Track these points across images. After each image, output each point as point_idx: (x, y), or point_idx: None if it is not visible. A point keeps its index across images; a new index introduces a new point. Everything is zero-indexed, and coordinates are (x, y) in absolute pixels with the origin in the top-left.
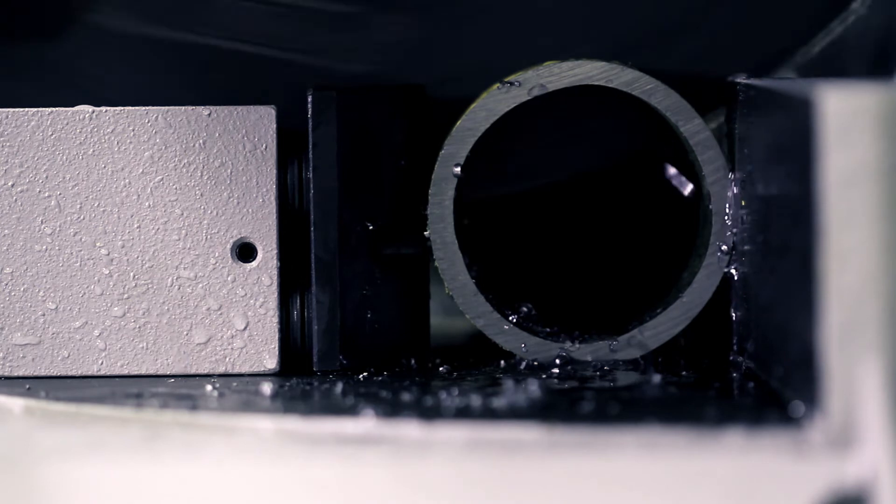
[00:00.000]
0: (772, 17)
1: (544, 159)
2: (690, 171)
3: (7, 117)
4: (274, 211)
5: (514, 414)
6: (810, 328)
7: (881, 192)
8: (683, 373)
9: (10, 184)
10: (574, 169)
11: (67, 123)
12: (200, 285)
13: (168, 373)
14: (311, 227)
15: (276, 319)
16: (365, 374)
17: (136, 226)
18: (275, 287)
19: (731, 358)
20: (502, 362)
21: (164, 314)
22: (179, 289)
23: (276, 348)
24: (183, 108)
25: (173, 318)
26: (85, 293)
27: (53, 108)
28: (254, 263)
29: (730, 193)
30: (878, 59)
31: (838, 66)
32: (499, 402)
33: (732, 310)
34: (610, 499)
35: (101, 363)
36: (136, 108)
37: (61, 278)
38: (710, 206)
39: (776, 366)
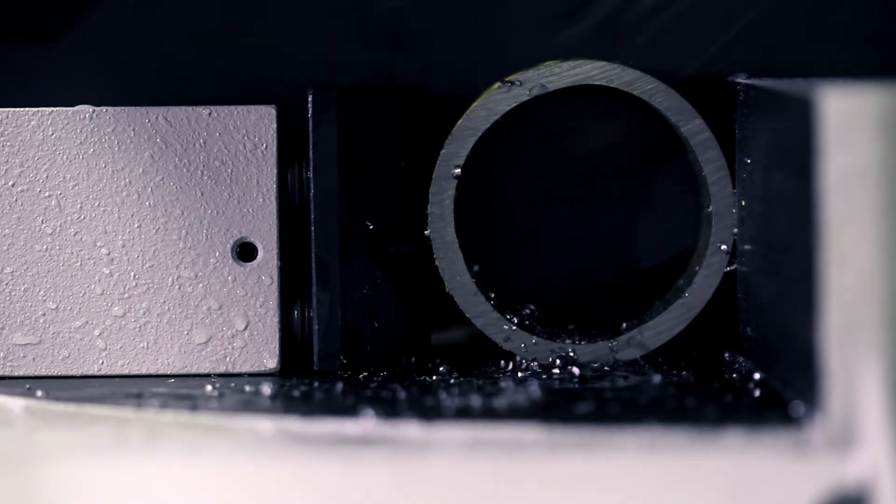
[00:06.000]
0: None
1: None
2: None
3: (7, 117)
4: (274, 210)
5: (514, 414)
6: (810, 328)
7: (881, 192)
8: (683, 373)
9: (10, 184)
10: (577, 167)
11: (67, 123)
12: (201, 285)
13: (168, 372)
14: (311, 226)
15: (276, 319)
16: (365, 374)
17: (136, 225)
18: (275, 287)
19: (730, 358)
20: (502, 362)
21: (165, 314)
22: (180, 288)
23: (277, 348)
24: (183, 108)
25: (174, 317)
26: (85, 293)
27: (53, 108)
28: (254, 263)
29: (730, 193)
30: None
31: None
32: (499, 402)
33: (738, 309)
34: (610, 499)
35: (102, 363)
36: (136, 107)
37: (62, 278)
38: (711, 207)
39: (776, 366)
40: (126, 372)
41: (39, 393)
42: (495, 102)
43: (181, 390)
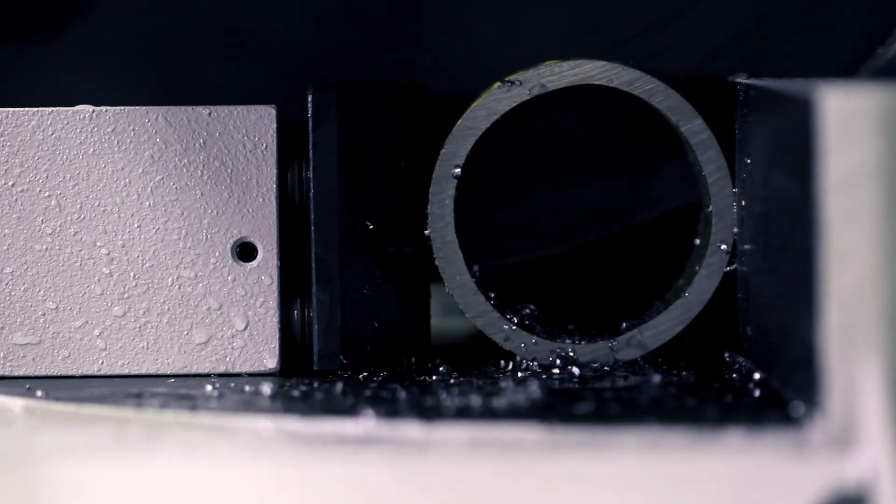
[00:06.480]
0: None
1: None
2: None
3: (7, 117)
4: (274, 210)
5: (514, 414)
6: (810, 328)
7: (881, 192)
8: (683, 373)
9: (10, 184)
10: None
11: (67, 123)
12: (201, 285)
13: (168, 372)
14: (311, 226)
15: (276, 319)
16: (365, 374)
17: (136, 225)
18: (275, 287)
19: (730, 357)
20: (502, 362)
21: (165, 314)
22: (180, 288)
23: (277, 348)
24: (183, 107)
25: (174, 317)
26: (85, 293)
27: (53, 108)
28: (254, 263)
29: (730, 193)
30: None
31: None
32: (499, 402)
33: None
34: (610, 499)
35: (102, 363)
36: (137, 107)
37: (62, 278)
38: (711, 207)
39: (776, 366)
40: (126, 372)
41: (39, 393)
42: (495, 102)
43: (181, 390)
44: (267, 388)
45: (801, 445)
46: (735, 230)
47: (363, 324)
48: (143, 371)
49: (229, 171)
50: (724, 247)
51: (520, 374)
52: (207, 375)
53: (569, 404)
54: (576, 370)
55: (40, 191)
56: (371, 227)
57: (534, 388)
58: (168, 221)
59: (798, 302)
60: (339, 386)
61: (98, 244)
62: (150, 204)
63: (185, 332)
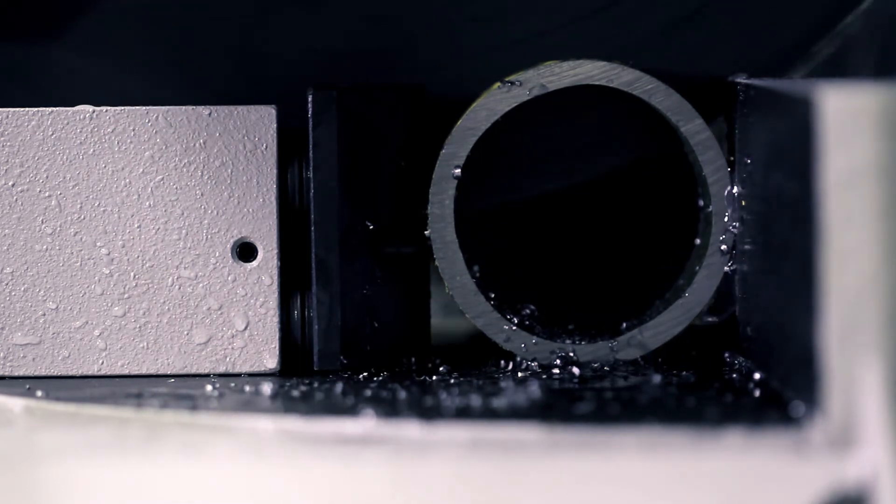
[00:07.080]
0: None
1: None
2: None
3: (7, 117)
4: (274, 210)
5: (514, 414)
6: (810, 328)
7: (881, 192)
8: (683, 373)
9: (10, 184)
10: (577, 170)
11: (67, 123)
12: (201, 285)
13: (168, 372)
14: (311, 226)
15: (276, 319)
16: (365, 374)
17: (136, 225)
18: (275, 287)
19: (730, 357)
20: (502, 362)
21: (165, 314)
22: (180, 288)
23: (277, 348)
24: (183, 107)
25: (174, 317)
26: (85, 293)
27: (53, 108)
28: (254, 263)
29: (729, 193)
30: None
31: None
32: (499, 402)
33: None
34: (610, 499)
35: (102, 363)
36: (137, 107)
37: (62, 278)
38: (711, 207)
39: (776, 366)
40: (126, 372)
41: (39, 393)
42: (495, 102)
43: (181, 390)
44: (267, 388)
45: (801, 445)
46: (735, 230)
47: (363, 324)
48: (143, 371)
49: (229, 171)
50: (724, 247)
51: (520, 374)
52: (207, 375)
53: (569, 404)
54: (576, 370)
55: (40, 191)
56: (371, 227)
57: (534, 388)
58: (168, 221)
59: (798, 302)
60: (339, 386)
61: (98, 244)
62: (150, 204)
63: (186, 333)
